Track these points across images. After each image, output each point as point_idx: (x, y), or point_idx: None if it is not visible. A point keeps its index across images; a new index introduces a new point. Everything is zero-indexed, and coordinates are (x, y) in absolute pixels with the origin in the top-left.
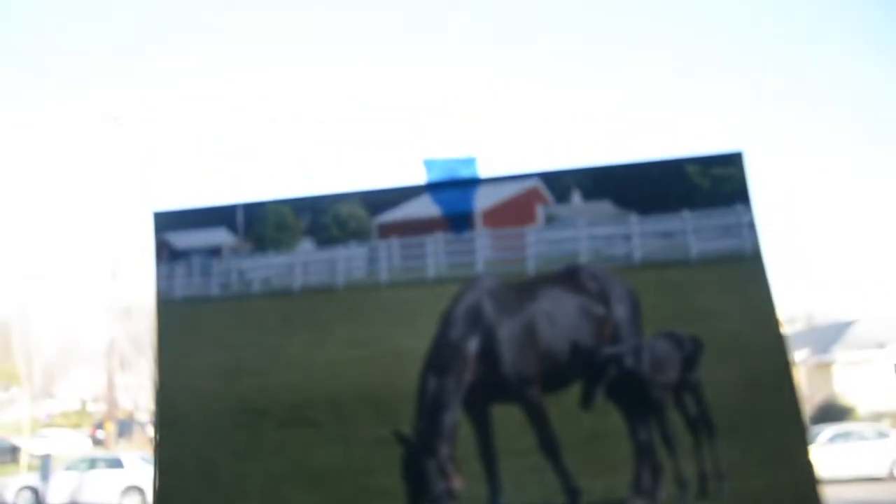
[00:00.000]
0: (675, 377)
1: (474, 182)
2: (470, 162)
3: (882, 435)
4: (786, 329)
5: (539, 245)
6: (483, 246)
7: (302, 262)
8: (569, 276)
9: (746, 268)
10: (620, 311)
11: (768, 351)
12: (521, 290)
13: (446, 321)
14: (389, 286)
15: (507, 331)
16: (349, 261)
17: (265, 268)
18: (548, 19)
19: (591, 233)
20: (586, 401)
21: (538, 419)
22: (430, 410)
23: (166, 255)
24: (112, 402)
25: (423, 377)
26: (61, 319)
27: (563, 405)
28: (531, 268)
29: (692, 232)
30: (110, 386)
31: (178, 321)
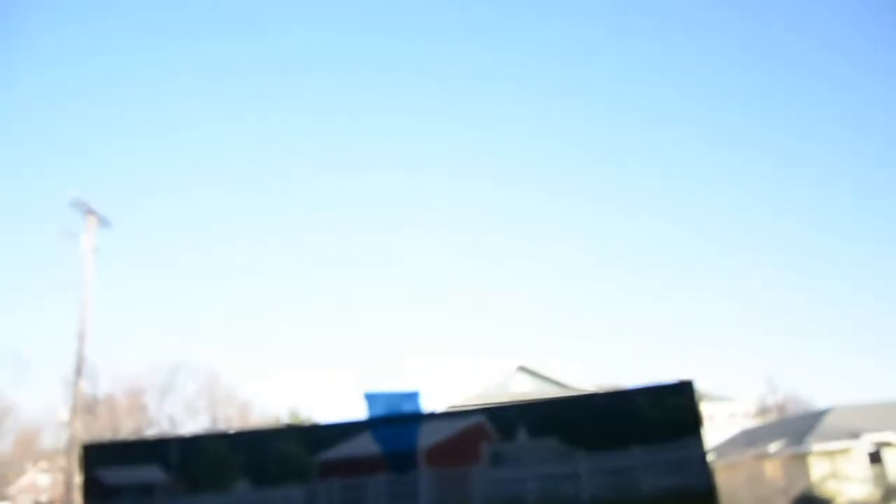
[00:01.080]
0: None
1: (417, 418)
2: (413, 396)
3: None
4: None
5: (484, 485)
6: (426, 487)
7: None
8: None
9: None
10: None
11: None
12: None
13: None
14: None
15: None
16: (287, 502)
17: None
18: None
19: (537, 472)
20: None
21: None
22: None
23: (97, 491)
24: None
25: None
26: (18, 415)
27: None
28: None
29: (643, 468)
30: (68, 486)
31: None
